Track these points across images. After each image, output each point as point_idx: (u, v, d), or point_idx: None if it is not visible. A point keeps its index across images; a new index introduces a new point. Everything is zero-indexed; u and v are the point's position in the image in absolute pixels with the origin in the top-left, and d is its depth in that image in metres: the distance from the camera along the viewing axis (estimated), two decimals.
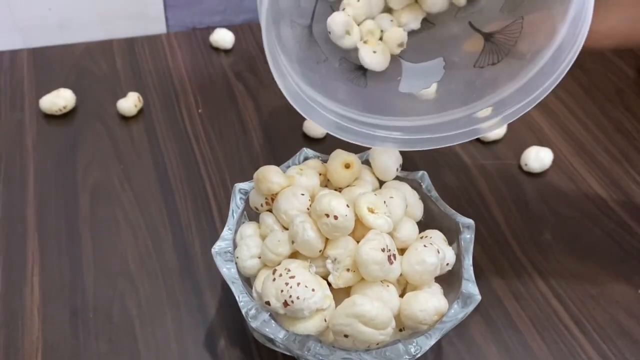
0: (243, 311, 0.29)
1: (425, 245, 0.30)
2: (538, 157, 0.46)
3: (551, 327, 0.37)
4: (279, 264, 0.30)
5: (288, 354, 0.32)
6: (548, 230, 0.43)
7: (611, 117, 0.52)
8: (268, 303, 0.28)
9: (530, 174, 0.46)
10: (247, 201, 0.34)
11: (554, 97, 0.53)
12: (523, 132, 0.50)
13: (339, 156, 0.34)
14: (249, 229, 0.33)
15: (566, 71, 0.28)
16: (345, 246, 0.29)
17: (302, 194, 0.31)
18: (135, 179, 0.44)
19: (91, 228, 0.40)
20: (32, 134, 0.46)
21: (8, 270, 0.38)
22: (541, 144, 0.48)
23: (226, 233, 0.32)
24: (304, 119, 0.47)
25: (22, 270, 0.38)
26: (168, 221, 0.41)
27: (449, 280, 0.32)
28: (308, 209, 0.30)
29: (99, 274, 0.38)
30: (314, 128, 0.47)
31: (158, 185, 0.43)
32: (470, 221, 0.33)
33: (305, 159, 0.36)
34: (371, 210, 0.30)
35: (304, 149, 0.36)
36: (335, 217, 0.28)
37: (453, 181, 0.46)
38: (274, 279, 0.28)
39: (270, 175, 0.31)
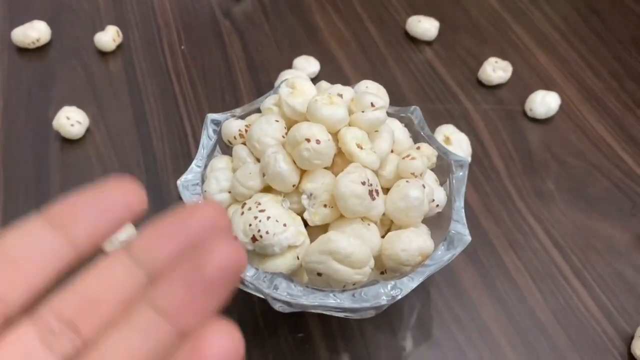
0: None
1: (408, 181, 0.27)
2: (544, 102, 0.42)
3: (549, 278, 0.34)
4: (249, 198, 0.27)
5: (260, 295, 0.29)
6: (551, 179, 0.40)
7: (625, 65, 0.48)
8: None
9: (535, 120, 0.43)
10: (220, 134, 0.31)
11: (565, 41, 0.49)
12: (529, 77, 0.46)
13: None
14: (220, 162, 0.30)
15: None
16: (322, 180, 0.27)
17: (277, 121, 0.28)
18: (110, 116, 0.41)
19: (61, 169, 0.38)
20: (1, 68, 0.44)
21: None
22: (548, 89, 0.44)
23: (195, 165, 0.29)
24: (294, 58, 0.44)
25: None
26: (143, 161, 0.39)
27: (438, 223, 0.29)
28: (283, 137, 0.28)
29: None
30: (303, 67, 0.44)
31: (134, 123, 0.41)
32: (464, 158, 0.30)
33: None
34: (359, 146, 0.27)
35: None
36: (318, 142, 0.26)
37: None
38: (243, 213, 0.26)
39: None
